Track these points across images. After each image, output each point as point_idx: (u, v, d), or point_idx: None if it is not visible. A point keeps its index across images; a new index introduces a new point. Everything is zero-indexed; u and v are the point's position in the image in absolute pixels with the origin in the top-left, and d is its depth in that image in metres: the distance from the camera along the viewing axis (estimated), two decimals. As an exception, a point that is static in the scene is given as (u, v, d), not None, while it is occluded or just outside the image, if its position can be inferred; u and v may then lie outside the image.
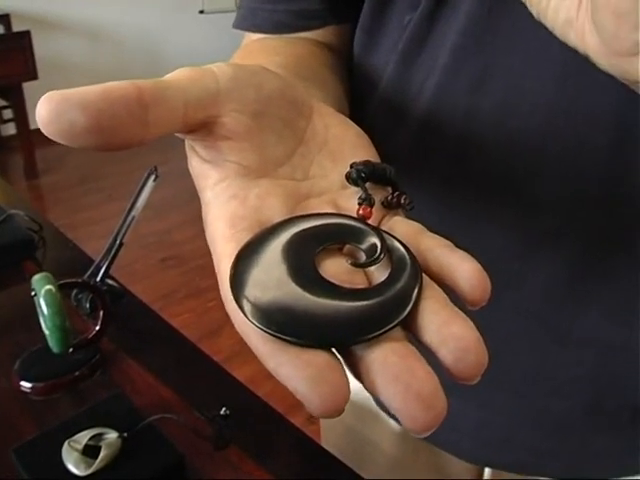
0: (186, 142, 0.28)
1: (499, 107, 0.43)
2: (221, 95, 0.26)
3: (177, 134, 0.26)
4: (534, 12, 0.29)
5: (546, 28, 0.30)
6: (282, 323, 0.21)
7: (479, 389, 0.54)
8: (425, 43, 0.45)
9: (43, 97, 0.22)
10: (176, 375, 0.65)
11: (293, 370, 0.20)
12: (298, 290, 0.22)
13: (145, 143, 0.24)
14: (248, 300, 0.22)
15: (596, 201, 0.44)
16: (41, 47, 3.41)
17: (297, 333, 0.21)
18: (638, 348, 0.49)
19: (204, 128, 0.27)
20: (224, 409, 0.58)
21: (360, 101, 0.52)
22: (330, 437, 0.74)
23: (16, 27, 3.33)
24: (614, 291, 0.47)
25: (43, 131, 0.22)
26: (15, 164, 3.59)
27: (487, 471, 0.64)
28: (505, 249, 0.48)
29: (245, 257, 0.24)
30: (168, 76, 0.26)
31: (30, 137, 3.42)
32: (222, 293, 0.24)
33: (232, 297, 0.22)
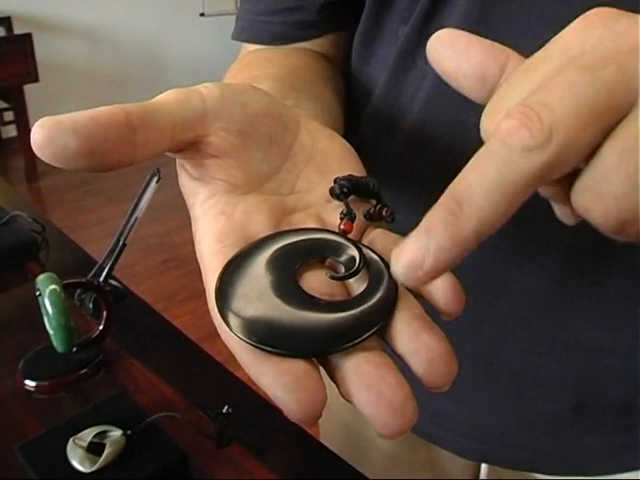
0: (177, 160, 0.29)
1: None
2: (208, 115, 0.27)
3: (167, 153, 0.27)
4: None
5: (531, 43, 0.31)
6: (263, 334, 0.22)
7: (471, 390, 0.55)
8: (415, 56, 0.46)
9: (37, 123, 0.23)
10: (179, 374, 0.66)
11: (272, 378, 0.21)
12: (279, 303, 0.24)
13: (135, 164, 0.25)
14: (232, 312, 0.23)
15: None
16: (42, 50, 3.42)
17: (276, 344, 0.22)
18: (621, 350, 0.50)
19: (192, 147, 0.28)
20: (226, 407, 0.58)
21: (355, 110, 0.53)
22: (328, 435, 0.75)
23: (17, 30, 3.34)
24: (599, 297, 0.48)
25: (38, 155, 0.23)
26: (16, 166, 3.60)
27: (483, 468, 0.65)
28: (493, 257, 0.49)
29: (230, 271, 0.25)
30: (156, 99, 0.26)
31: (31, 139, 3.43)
32: (209, 305, 0.25)
33: (217, 310, 0.24)
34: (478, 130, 0.45)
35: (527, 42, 0.40)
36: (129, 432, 0.54)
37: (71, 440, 0.53)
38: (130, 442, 0.53)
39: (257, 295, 0.24)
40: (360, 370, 0.22)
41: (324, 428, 0.77)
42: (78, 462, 0.51)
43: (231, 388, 0.64)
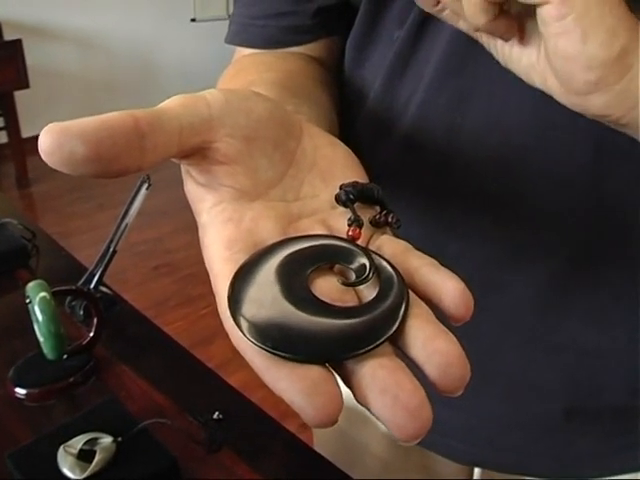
0: (182, 167, 0.29)
1: (481, 123, 0.44)
2: (214, 121, 0.27)
3: (173, 159, 0.27)
4: (500, 60, 0.32)
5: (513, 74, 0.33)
6: (277, 340, 0.22)
7: (465, 394, 0.55)
8: (411, 60, 0.46)
9: (44, 129, 0.23)
10: (169, 380, 0.66)
11: (289, 383, 0.21)
12: (292, 308, 0.24)
13: (143, 170, 0.25)
14: (245, 318, 0.23)
15: (578, 213, 0.45)
16: (33, 55, 3.41)
17: (291, 349, 0.22)
18: (615, 353, 0.50)
19: (199, 153, 0.28)
20: (217, 413, 0.59)
21: (349, 114, 0.53)
22: (322, 441, 0.75)
23: (7, 36, 3.33)
24: (593, 300, 0.48)
25: (46, 161, 0.23)
26: (6, 173, 3.58)
27: (476, 472, 0.65)
28: (489, 259, 0.49)
29: (241, 278, 0.25)
30: (162, 104, 0.27)
31: (22, 146, 3.41)
32: (220, 311, 0.25)
33: (230, 315, 0.23)
34: (473, 133, 0.45)
35: None
36: (119, 439, 0.54)
37: (61, 447, 0.53)
38: (121, 449, 0.53)
39: (270, 301, 0.24)
40: (375, 375, 0.22)
41: (318, 435, 0.77)
42: (68, 469, 0.51)
43: (221, 394, 0.64)
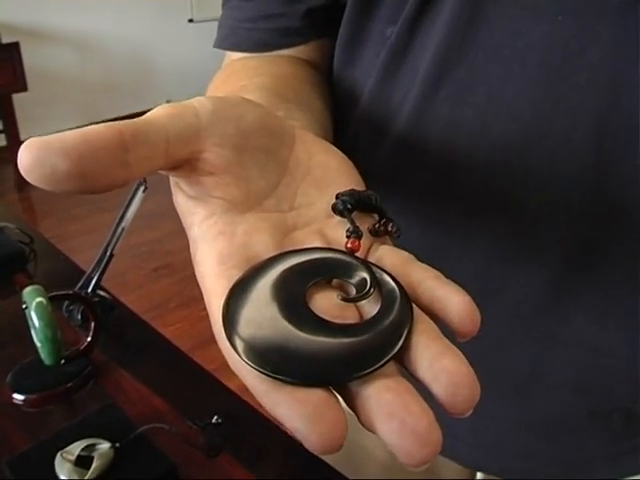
0: (171, 179, 0.28)
1: (480, 118, 0.44)
2: (202, 130, 0.26)
3: (161, 171, 0.26)
4: None
5: (523, 38, 0.31)
6: (276, 363, 0.21)
7: None
8: (406, 56, 0.45)
9: (24, 144, 0.22)
10: (167, 385, 0.65)
11: (289, 409, 0.20)
12: (290, 328, 0.22)
13: (129, 183, 0.24)
14: (241, 339, 0.22)
15: (580, 208, 0.44)
16: (30, 58, 3.41)
17: (291, 372, 0.21)
18: (624, 352, 0.49)
19: (187, 164, 0.27)
20: (215, 417, 0.58)
21: (342, 116, 0.52)
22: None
23: (5, 38, 3.32)
24: (599, 296, 0.47)
25: (26, 178, 0.22)
26: (6, 176, 3.58)
27: (479, 475, 0.65)
28: (491, 257, 0.48)
29: (236, 295, 0.24)
30: (148, 114, 0.25)
31: (20, 149, 3.41)
32: (215, 331, 0.24)
33: (225, 337, 0.22)
34: (470, 127, 0.44)
35: (520, 37, 0.40)
36: (117, 444, 0.53)
37: (59, 454, 0.52)
38: (119, 454, 0.53)
39: (267, 321, 0.23)
40: (381, 398, 0.21)
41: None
42: (66, 476, 0.51)
43: (221, 398, 0.64)
